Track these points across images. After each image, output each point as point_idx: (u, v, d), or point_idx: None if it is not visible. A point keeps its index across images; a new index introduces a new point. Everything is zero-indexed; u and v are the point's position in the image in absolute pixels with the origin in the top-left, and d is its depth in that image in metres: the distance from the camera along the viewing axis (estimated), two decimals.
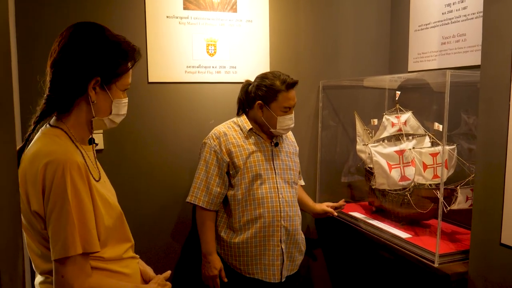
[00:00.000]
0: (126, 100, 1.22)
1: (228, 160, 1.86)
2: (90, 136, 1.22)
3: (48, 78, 1.13)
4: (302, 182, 2.23)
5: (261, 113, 1.87)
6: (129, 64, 1.18)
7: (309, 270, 2.55)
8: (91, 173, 1.11)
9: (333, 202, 2.21)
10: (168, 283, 1.30)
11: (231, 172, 1.89)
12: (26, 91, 1.88)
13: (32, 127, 1.14)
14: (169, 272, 1.34)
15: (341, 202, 2.22)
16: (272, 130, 1.88)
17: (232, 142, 1.88)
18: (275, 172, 1.90)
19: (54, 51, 1.12)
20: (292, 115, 1.88)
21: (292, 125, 1.90)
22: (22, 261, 0.72)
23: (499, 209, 1.41)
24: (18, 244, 0.71)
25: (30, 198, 1.05)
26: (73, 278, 1.03)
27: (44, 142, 1.08)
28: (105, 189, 1.19)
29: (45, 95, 1.13)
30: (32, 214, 1.06)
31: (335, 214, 2.16)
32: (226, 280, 1.90)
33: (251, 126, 1.91)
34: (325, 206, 2.15)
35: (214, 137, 1.90)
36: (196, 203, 1.88)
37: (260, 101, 1.86)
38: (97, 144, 1.26)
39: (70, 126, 1.15)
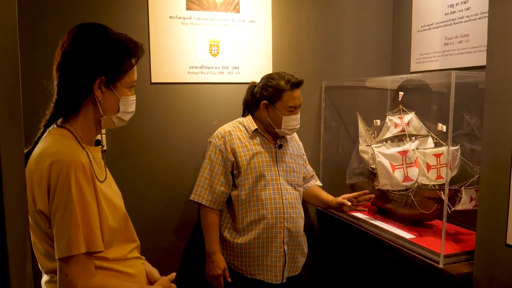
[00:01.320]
0: (133, 97, 1.22)
1: (233, 159, 1.86)
2: (97, 137, 1.22)
3: (55, 82, 1.14)
4: (319, 183, 2.19)
5: (266, 113, 1.87)
6: (133, 61, 1.18)
7: (312, 271, 2.54)
8: (95, 174, 1.11)
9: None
10: (173, 285, 1.30)
11: (234, 172, 1.89)
12: (27, 93, 1.88)
13: (42, 130, 1.15)
14: (174, 274, 1.34)
15: (360, 193, 1.94)
16: (277, 130, 1.87)
17: (236, 141, 1.88)
18: (279, 174, 1.89)
19: (58, 54, 1.13)
20: (298, 116, 1.88)
21: (298, 126, 1.90)
22: (30, 263, 0.72)
23: (505, 209, 1.41)
24: (26, 246, 0.71)
25: (36, 198, 1.05)
26: (77, 277, 1.03)
27: (50, 142, 1.09)
28: (111, 190, 1.19)
29: (54, 99, 1.14)
30: (37, 213, 1.06)
31: (348, 204, 1.91)
32: (230, 280, 1.90)
33: (256, 127, 1.91)
34: (341, 198, 1.96)
35: (220, 136, 1.90)
36: (199, 202, 1.88)
37: (265, 101, 1.86)
38: (103, 146, 1.26)
39: (78, 127, 1.15)
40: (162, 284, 1.27)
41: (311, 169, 2.18)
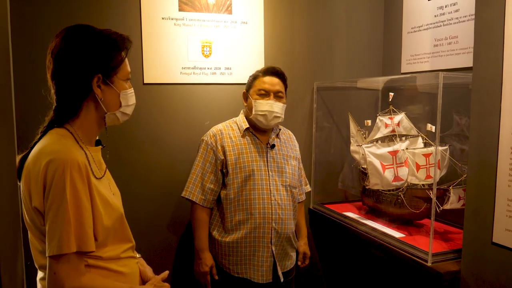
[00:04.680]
0: (131, 90, 1.25)
1: (223, 158, 1.88)
2: (97, 137, 1.24)
3: (52, 91, 1.15)
4: (308, 188, 2.21)
5: (245, 102, 1.95)
6: (123, 54, 1.20)
7: (304, 271, 2.56)
8: (93, 173, 1.12)
9: (302, 247, 2.13)
10: (165, 284, 1.31)
11: (224, 171, 1.90)
12: (26, 98, 1.88)
13: (39, 136, 1.16)
14: (166, 272, 1.35)
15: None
16: (251, 117, 1.90)
17: (226, 140, 1.90)
18: (269, 174, 1.90)
19: (50, 62, 1.14)
20: (271, 102, 1.85)
21: (272, 113, 1.85)
22: (21, 262, 0.73)
23: (491, 208, 1.44)
24: (17, 246, 0.72)
25: (32, 195, 1.06)
26: (65, 276, 1.04)
27: (49, 141, 1.10)
28: (108, 190, 1.20)
29: (54, 107, 1.16)
30: (33, 210, 1.07)
31: (299, 263, 2.11)
32: (217, 277, 1.92)
33: (248, 126, 1.93)
34: (302, 250, 2.11)
35: (211, 134, 1.93)
36: (190, 198, 1.90)
37: (244, 91, 1.96)
38: (103, 146, 1.28)
39: (77, 128, 1.17)
40: (153, 284, 1.28)
41: (304, 178, 2.19)
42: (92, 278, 1.11)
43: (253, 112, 1.88)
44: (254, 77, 1.93)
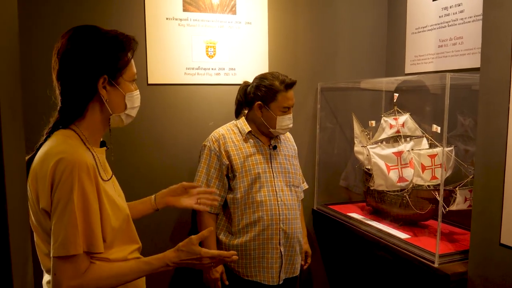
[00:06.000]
0: (137, 92, 1.24)
1: (228, 162, 1.87)
2: (102, 139, 1.23)
3: (58, 91, 1.15)
4: (305, 185, 2.22)
5: (260, 113, 1.88)
6: (129, 55, 1.19)
7: (308, 272, 2.56)
8: (100, 175, 1.12)
9: (308, 258, 2.14)
10: (198, 248, 1.23)
11: (230, 175, 1.89)
12: (30, 100, 1.87)
13: (44, 137, 1.15)
14: (210, 228, 1.28)
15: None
16: (271, 130, 1.88)
17: (230, 144, 1.89)
18: (274, 175, 1.90)
19: (55, 62, 1.13)
20: (291, 115, 1.89)
21: (291, 125, 1.91)
22: (31, 265, 0.72)
23: (499, 209, 1.43)
24: (27, 249, 0.71)
25: (40, 196, 1.05)
26: (63, 277, 1.03)
27: (56, 143, 1.09)
28: (113, 191, 1.20)
29: (58, 107, 1.15)
30: (40, 212, 1.06)
31: (302, 262, 2.10)
32: (227, 283, 1.91)
33: (250, 129, 1.91)
34: (303, 250, 2.09)
35: (214, 139, 1.90)
36: None
37: (259, 102, 1.86)
38: (108, 148, 1.27)
39: (83, 129, 1.16)
40: (179, 249, 1.23)
41: (302, 175, 2.18)
42: (97, 268, 1.09)
43: (277, 127, 1.86)
44: (276, 91, 1.83)
